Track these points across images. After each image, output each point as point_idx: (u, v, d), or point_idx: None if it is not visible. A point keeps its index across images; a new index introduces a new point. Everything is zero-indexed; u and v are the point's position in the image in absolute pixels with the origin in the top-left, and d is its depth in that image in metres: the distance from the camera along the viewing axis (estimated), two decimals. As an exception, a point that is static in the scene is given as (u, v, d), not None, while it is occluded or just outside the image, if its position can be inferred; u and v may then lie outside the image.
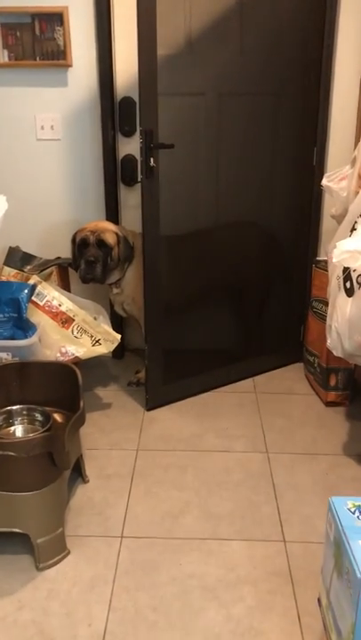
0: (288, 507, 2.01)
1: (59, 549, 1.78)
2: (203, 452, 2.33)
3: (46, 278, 2.78)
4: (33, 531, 1.73)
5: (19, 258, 2.85)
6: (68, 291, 2.87)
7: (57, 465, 1.71)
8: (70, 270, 2.85)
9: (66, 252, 2.80)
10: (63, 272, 2.84)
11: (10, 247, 2.86)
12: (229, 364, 2.86)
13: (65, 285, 2.84)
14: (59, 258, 2.89)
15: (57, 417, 2.11)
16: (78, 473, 2.14)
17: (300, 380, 2.92)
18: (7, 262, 2.83)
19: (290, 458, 2.29)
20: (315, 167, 2.78)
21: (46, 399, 2.12)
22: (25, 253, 2.86)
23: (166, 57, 2.49)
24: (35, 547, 1.73)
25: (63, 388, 2.10)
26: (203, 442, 2.39)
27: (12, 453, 1.61)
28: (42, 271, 2.78)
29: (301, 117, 2.72)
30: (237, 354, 2.96)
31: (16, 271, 2.82)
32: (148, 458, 2.29)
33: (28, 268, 2.83)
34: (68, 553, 1.80)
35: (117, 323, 3.02)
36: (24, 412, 2.11)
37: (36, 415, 2.10)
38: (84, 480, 2.13)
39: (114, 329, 2.81)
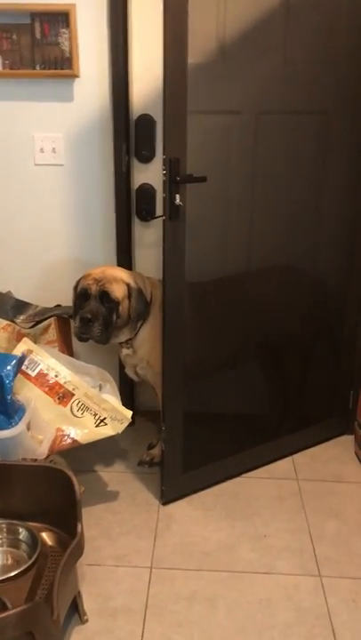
0: (357, 673, 1.48)
1: None
2: (236, 573, 1.79)
3: (42, 332, 2.29)
4: None
5: (10, 306, 2.36)
6: (70, 347, 2.36)
7: (40, 643, 1.18)
8: (73, 322, 2.33)
9: (67, 299, 2.30)
10: (63, 324, 2.33)
11: (-1, 293, 2.38)
12: (264, 442, 2.33)
13: (65, 341, 2.33)
14: (58, 306, 2.39)
15: (45, 537, 1.60)
16: (74, 608, 1.61)
17: (351, 460, 2.38)
18: (-4, 311, 2.34)
19: (350, 585, 1.75)
20: (373, 203, 2.27)
21: (32, 512, 1.61)
22: (18, 300, 2.39)
23: (193, 67, 1.98)
24: None
25: (54, 499, 1.59)
26: (235, 557, 1.86)
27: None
28: (37, 323, 2.30)
29: (358, 143, 2.21)
30: (274, 428, 2.43)
31: (6, 322, 2.32)
32: (165, 581, 1.76)
33: (22, 318, 2.35)
34: None
35: (127, 382, 2.50)
36: (3, 529, 1.62)
37: (20, 533, 1.61)
38: (82, 619, 1.60)
39: (122, 389, 2.32)
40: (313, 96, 2.18)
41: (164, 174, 1.73)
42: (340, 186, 2.28)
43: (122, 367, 2.37)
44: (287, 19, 2.11)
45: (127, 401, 2.26)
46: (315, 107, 2.21)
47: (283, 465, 2.34)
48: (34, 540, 1.54)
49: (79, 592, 1.57)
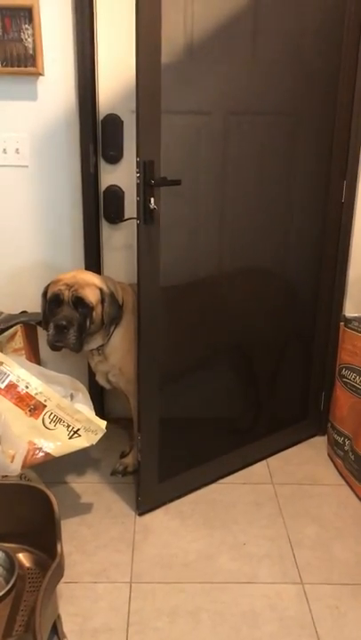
0: None
1: None
2: (218, 584, 1.76)
3: (9, 340, 2.20)
4: None
5: (-27, 314, 2.26)
6: (37, 355, 2.28)
7: None
8: (40, 329, 2.25)
9: (33, 304, 2.22)
10: (30, 331, 2.25)
11: None
12: (239, 446, 2.31)
13: (33, 349, 2.25)
14: (24, 313, 2.30)
15: (22, 558, 1.53)
16: (53, 631, 1.54)
17: (324, 462, 2.38)
18: None
19: (333, 592, 1.74)
20: (343, 204, 2.27)
21: (6, 532, 1.54)
22: (-19, 308, 2.29)
23: (162, 67, 1.94)
24: None
25: (30, 518, 1.52)
26: (216, 567, 1.82)
27: None
28: (3, 331, 2.20)
29: (328, 144, 2.21)
30: (248, 431, 2.41)
31: (-30, 331, 2.23)
32: (146, 596, 1.71)
33: (-14, 326, 2.24)
34: None
35: (96, 389, 2.44)
36: (-24, 552, 1.52)
37: (-6, 555, 1.51)
38: (61, 642, 1.54)
39: (92, 396, 2.25)
40: (283, 97, 2.16)
41: (138, 177, 1.67)
42: (310, 187, 2.28)
43: (91, 374, 2.31)
44: (256, 19, 2.08)
45: (97, 409, 2.20)
46: (285, 108, 2.18)
47: (257, 469, 2.32)
48: (10, 563, 1.47)
49: (58, 614, 1.50)
